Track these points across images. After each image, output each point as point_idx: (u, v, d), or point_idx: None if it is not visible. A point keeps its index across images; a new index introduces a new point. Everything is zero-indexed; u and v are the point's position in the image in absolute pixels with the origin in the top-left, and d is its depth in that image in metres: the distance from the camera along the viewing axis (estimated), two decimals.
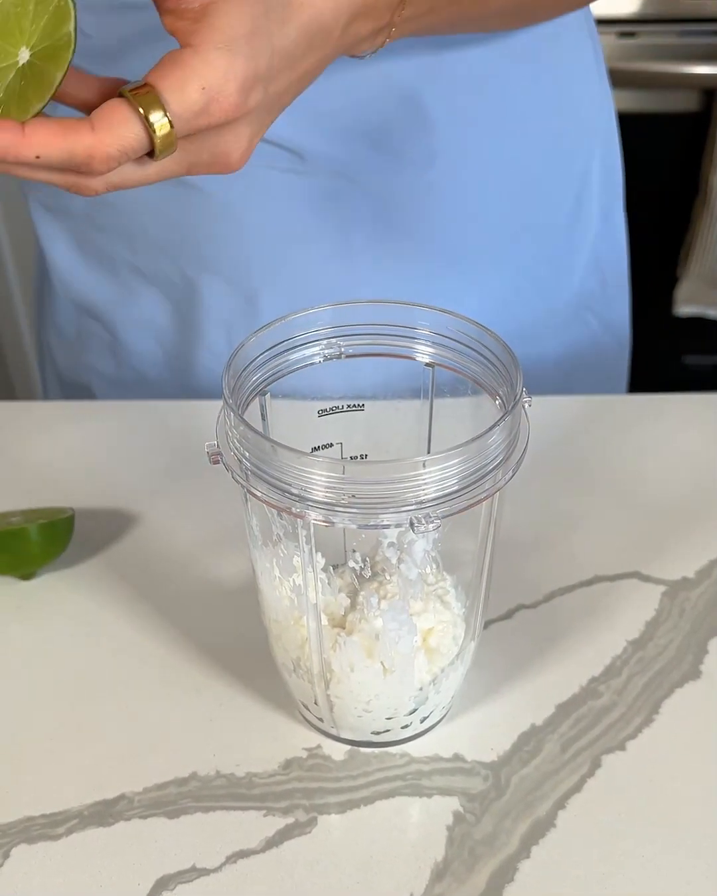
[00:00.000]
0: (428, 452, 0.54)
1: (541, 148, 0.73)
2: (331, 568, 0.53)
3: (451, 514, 0.42)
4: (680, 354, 1.80)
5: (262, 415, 0.50)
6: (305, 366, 0.50)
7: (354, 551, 0.52)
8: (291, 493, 0.42)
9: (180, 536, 0.65)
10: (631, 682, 0.56)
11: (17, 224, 1.69)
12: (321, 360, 0.50)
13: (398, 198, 0.70)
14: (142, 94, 0.40)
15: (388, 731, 0.51)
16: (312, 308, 0.49)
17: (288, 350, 0.49)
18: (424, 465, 0.41)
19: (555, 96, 0.72)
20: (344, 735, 0.52)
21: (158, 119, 0.40)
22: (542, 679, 0.56)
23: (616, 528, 0.66)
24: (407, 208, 0.71)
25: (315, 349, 0.50)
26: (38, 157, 0.39)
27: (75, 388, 0.87)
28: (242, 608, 0.59)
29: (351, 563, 0.49)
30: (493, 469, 0.43)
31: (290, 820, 0.50)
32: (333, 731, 0.52)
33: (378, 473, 0.41)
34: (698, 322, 1.75)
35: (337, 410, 0.52)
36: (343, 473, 0.41)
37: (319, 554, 0.48)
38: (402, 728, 0.52)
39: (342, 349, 0.50)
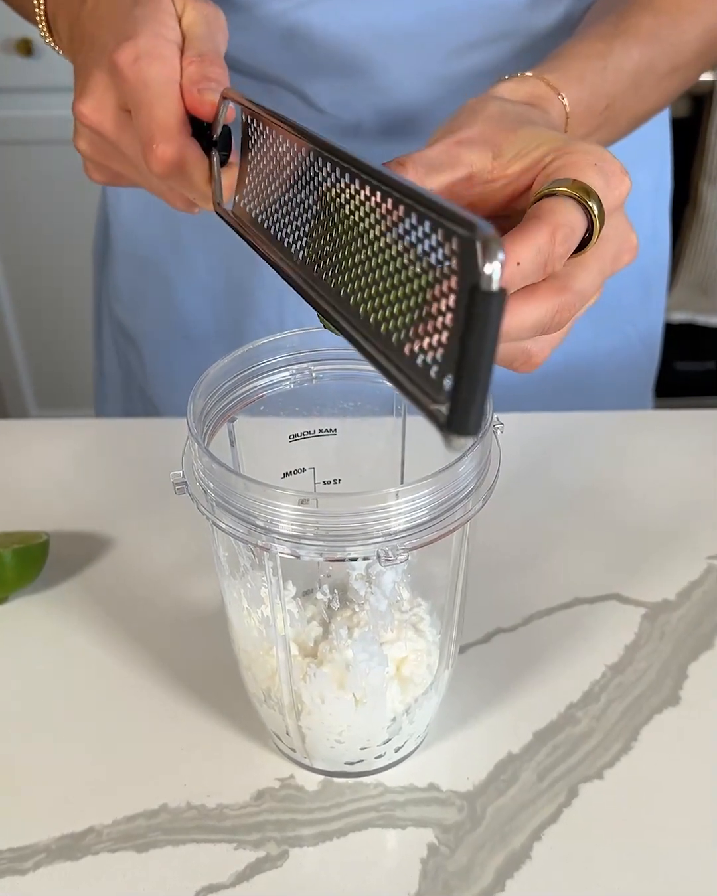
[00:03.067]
0: (401, 474, 0.54)
1: None
2: (301, 595, 0.52)
3: (420, 546, 0.41)
4: (671, 360, 1.80)
5: (231, 441, 0.49)
6: (276, 392, 0.49)
7: (325, 577, 0.52)
8: (257, 526, 0.41)
9: (156, 559, 0.64)
10: (610, 708, 0.55)
11: (13, 226, 1.68)
12: (292, 385, 0.49)
13: None
14: (576, 187, 0.39)
15: (362, 760, 0.51)
16: (281, 334, 0.48)
17: (257, 376, 0.48)
18: (396, 496, 0.40)
19: None
20: (317, 765, 0.51)
21: (595, 208, 0.39)
22: (520, 705, 0.55)
23: (596, 548, 0.65)
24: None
25: (285, 375, 0.49)
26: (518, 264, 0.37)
27: (129, 344, 0.87)
28: (217, 633, 0.58)
29: (319, 595, 0.48)
30: (463, 498, 0.42)
31: (261, 853, 0.49)
32: (307, 762, 0.51)
33: (345, 506, 0.40)
34: (688, 328, 1.75)
35: (309, 435, 0.51)
36: (310, 505, 0.40)
37: (289, 581, 0.47)
38: (376, 758, 0.51)
39: (314, 374, 0.50)
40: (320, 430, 0.51)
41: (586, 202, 0.38)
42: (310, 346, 0.49)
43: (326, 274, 0.36)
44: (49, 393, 1.90)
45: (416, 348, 0.30)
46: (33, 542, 0.61)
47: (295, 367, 0.49)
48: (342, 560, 0.41)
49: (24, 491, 0.69)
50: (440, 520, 0.41)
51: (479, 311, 0.26)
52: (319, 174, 0.36)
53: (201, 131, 0.44)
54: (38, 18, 0.54)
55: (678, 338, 1.73)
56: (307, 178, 0.37)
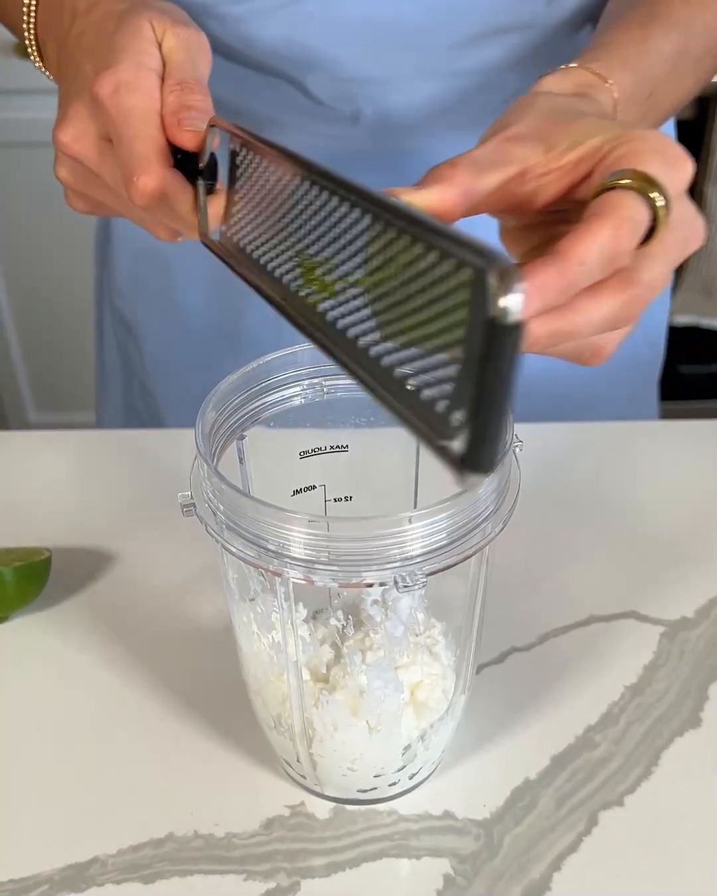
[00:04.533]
0: (416, 491, 0.52)
1: None
2: (312, 617, 0.50)
3: (438, 571, 0.40)
4: (675, 363, 1.79)
5: (240, 458, 0.48)
6: (286, 407, 0.47)
7: (336, 599, 0.50)
8: (269, 550, 0.40)
9: (161, 576, 0.62)
10: (629, 730, 0.54)
11: (11, 229, 1.67)
12: (302, 401, 0.48)
13: None
14: (638, 177, 0.37)
15: (375, 788, 0.49)
16: (292, 348, 0.46)
17: (267, 391, 0.47)
18: (409, 521, 0.38)
19: None
20: (329, 792, 0.50)
21: (659, 198, 0.37)
22: (536, 728, 0.54)
23: (611, 564, 0.63)
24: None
25: (296, 390, 0.47)
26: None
27: (129, 335, 0.87)
28: (223, 652, 0.56)
29: (333, 621, 0.46)
30: (483, 521, 0.41)
31: (271, 884, 0.47)
32: (317, 789, 0.50)
33: (360, 530, 0.39)
34: (693, 331, 1.73)
35: (320, 451, 0.50)
36: (324, 530, 0.39)
37: (301, 603, 0.46)
38: (390, 785, 0.49)
39: (325, 389, 0.48)
40: (332, 446, 0.49)
41: (649, 193, 0.37)
42: (321, 361, 0.47)
43: (321, 305, 0.34)
44: (48, 397, 1.89)
45: (419, 382, 0.28)
46: (35, 559, 0.59)
47: (306, 381, 0.47)
48: (358, 586, 0.40)
49: (24, 505, 0.67)
50: (459, 543, 0.40)
51: (496, 345, 0.24)
52: (315, 202, 0.34)
53: (187, 159, 0.43)
54: (28, 42, 0.53)
55: (682, 341, 1.72)
56: (301, 206, 0.35)
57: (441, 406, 0.27)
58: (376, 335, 0.30)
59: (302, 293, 0.35)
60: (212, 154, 0.43)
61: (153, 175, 0.42)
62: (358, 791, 0.49)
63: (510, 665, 0.57)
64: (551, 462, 0.71)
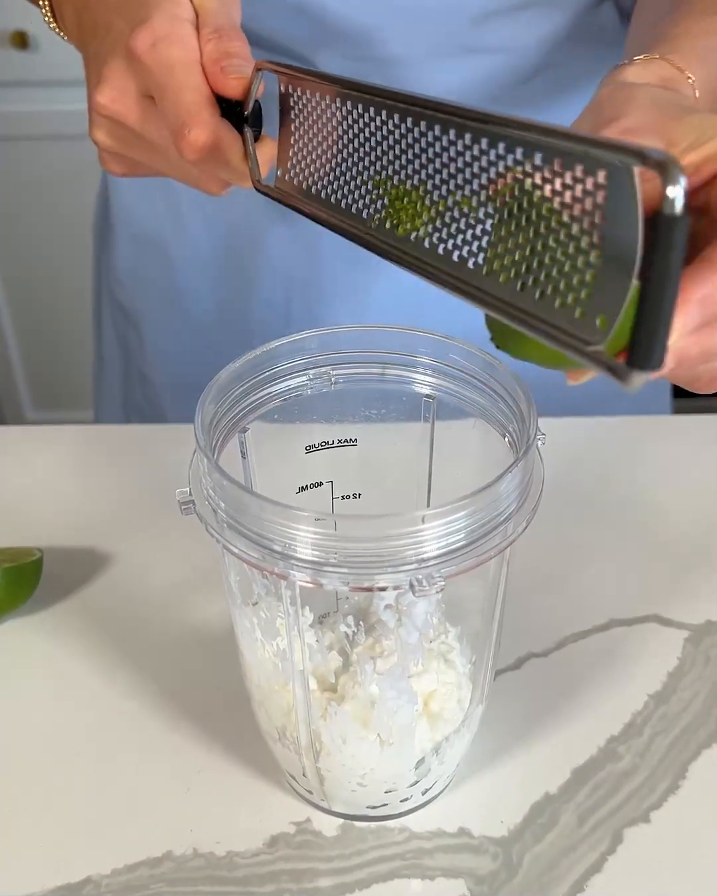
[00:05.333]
0: (429, 488, 0.49)
1: None
2: (319, 621, 0.47)
3: (456, 574, 0.37)
4: None
5: (242, 452, 0.45)
6: (291, 398, 0.45)
7: (344, 603, 0.47)
8: (274, 551, 0.37)
9: (159, 578, 0.59)
10: (654, 742, 0.51)
11: (7, 224, 1.64)
12: (309, 392, 0.45)
13: None
14: None
15: (385, 804, 0.46)
16: (298, 335, 0.43)
17: (271, 381, 0.44)
18: (430, 519, 0.35)
19: None
20: (337, 808, 0.47)
21: None
22: (556, 739, 0.51)
23: (631, 565, 0.60)
24: None
25: (302, 379, 0.44)
26: None
27: (129, 324, 0.85)
28: (225, 659, 0.53)
29: (342, 627, 0.43)
30: (504, 520, 0.38)
31: None
32: (325, 804, 0.47)
33: (373, 529, 0.36)
34: None
35: (326, 446, 0.47)
36: (333, 529, 0.36)
37: (307, 607, 0.43)
38: (401, 801, 0.46)
39: (333, 379, 0.45)
40: (340, 440, 0.46)
41: None
42: (329, 348, 0.44)
43: (419, 233, 0.34)
44: (46, 393, 1.86)
45: (549, 291, 0.29)
46: (25, 560, 0.56)
47: (313, 371, 0.44)
48: (370, 590, 0.37)
49: (14, 503, 0.64)
50: (479, 544, 0.37)
51: (664, 237, 0.25)
52: (396, 131, 0.34)
53: (230, 108, 0.42)
54: (42, 7, 0.51)
55: None
56: (380, 135, 0.35)
57: (579, 312, 0.28)
58: (492, 252, 0.31)
59: (389, 224, 0.35)
60: (256, 101, 0.42)
61: (205, 125, 0.41)
62: (368, 807, 0.46)
63: (527, 672, 0.54)
64: (563, 458, 0.68)
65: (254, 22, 0.63)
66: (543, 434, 0.40)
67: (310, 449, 0.46)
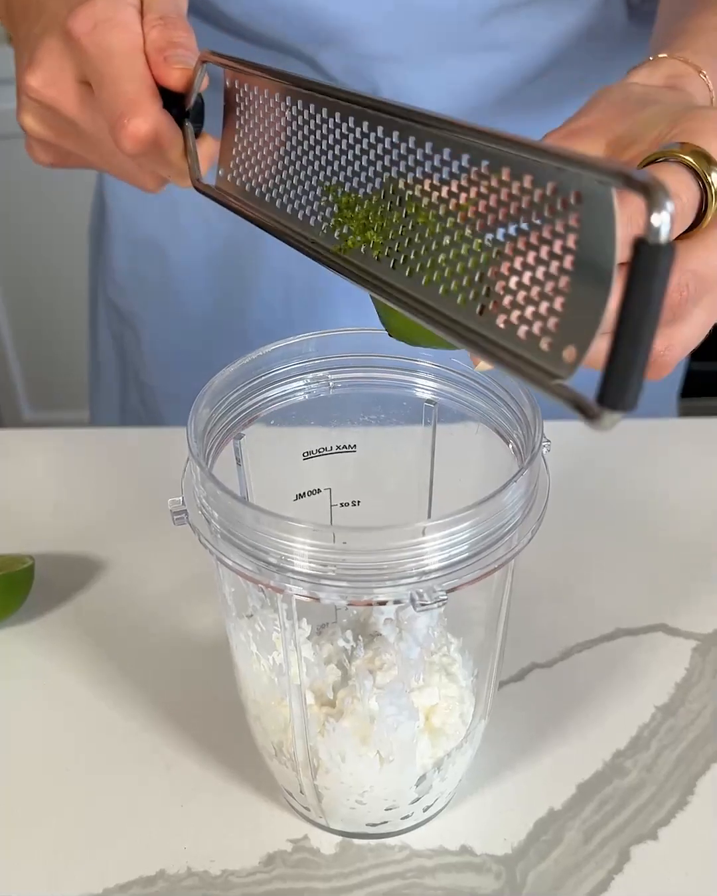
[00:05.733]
0: (430, 495, 0.48)
1: None
2: (317, 632, 0.46)
3: (459, 587, 0.35)
4: (687, 360, 1.76)
5: (237, 459, 0.43)
6: (288, 403, 0.43)
7: (343, 616, 0.46)
8: (269, 563, 0.35)
9: (153, 586, 0.58)
10: (661, 756, 0.49)
11: (3, 224, 1.62)
12: (307, 396, 0.43)
13: None
14: (690, 151, 0.33)
15: (385, 822, 0.45)
16: (294, 338, 0.42)
17: (267, 385, 0.42)
18: (432, 531, 0.34)
19: None
20: (335, 825, 0.45)
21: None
22: (560, 753, 0.49)
23: (638, 572, 0.59)
24: None
25: (299, 384, 0.43)
26: None
27: (125, 327, 0.84)
28: (221, 670, 0.52)
29: (341, 642, 0.42)
30: (508, 532, 0.36)
31: None
32: (323, 822, 0.45)
33: (372, 541, 0.34)
34: None
35: (325, 452, 0.45)
36: (331, 541, 0.34)
37: (304, 619, 0.41)
38: (402, 818, 0.45)
39: (331, 383, 0.44)
40: (338, 447, 0.45)
41: (700, 169, 0.32)
42: (327, 351, 0.43)
43: (368, 245, 0.32)
44: (43, 393, 1.84)
45: (514, 318, 0.26)
46: (16, 568, 0.55)
47: (310, 375, 0.43)
48: (369, 604, 0.35)
49: (5, 508, 0.63)
50: (483, 556, 0.36)
51: (647, 267, 0.22)
52: (350, 135, 0.32)
53: (171, 102, 0.40)
54: None
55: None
56: (330, 140, 0.33)
57: (545, 343, 0.25)
58: (448, 271, 0.29)
59: (338, 233, 0.33)
60: (199, 94, 0.39)
61: (146, 116, 0.38)
62: (367, 824, 0.45)
63: (531, 683, 0.53)
64: (568, 462, 0.66)
65: (253, 20, 0.61)
66: (548, 440, 0.39)
67: (308, 455, 0.45)
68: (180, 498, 0.38)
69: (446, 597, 0.34)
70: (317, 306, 0.73)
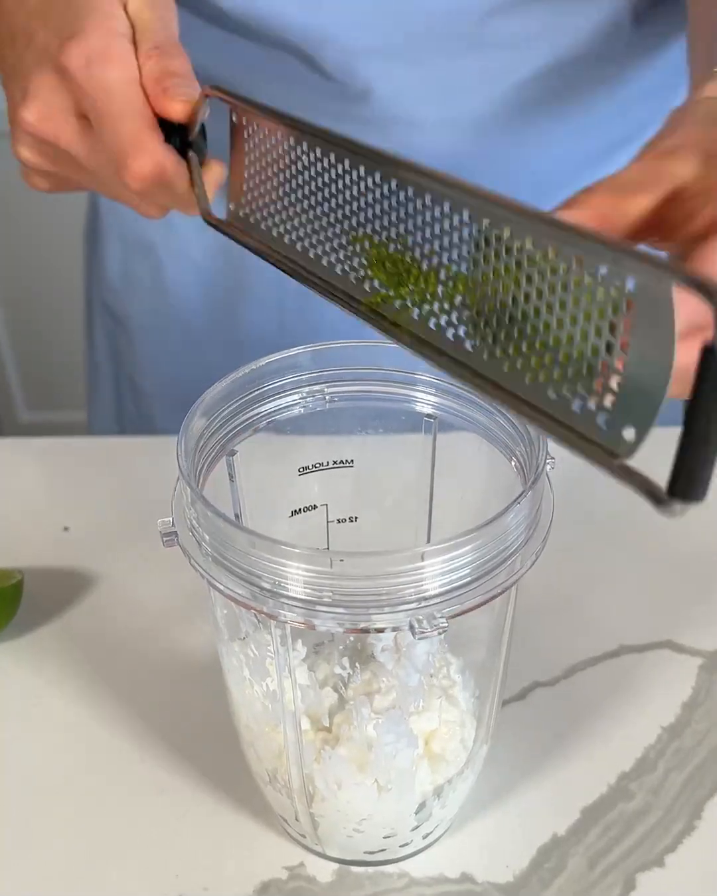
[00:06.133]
0: (430, 513, 0.46)
1: None
2: (314, 651, 0.45)
3: (460, 613, 0.34)
4: None
5: (230, 475, 0.42)
6: (283, 418, 0.42)
7: (340, 643, 0.44)
8: (263, 588, 0.34)
9: (146, 602, 0.56)
10: (668, 778, 0.48)
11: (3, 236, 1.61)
12: (302, 410, 0.42)
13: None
14: None
15: (384, 849, 0.43)
16: (291, 350, 0.40)
17: (262, 400, 0.41)
18: (425, 557, 0.33)
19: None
20: (332, 853, 0.44)
21: None
22: (563, 775, 0.48)
23: (643, 587, 0.57)
24: None
25: (295, 398, 0.42)
26: None
27: (120, 329, 0.82)
28: (215, 690, 0.50)
29: (338, 669, 0.41)
30: (511, 555, 0.35)
31: None
32: (319, 849, 0.44)
33: (370, 566, 0.33)
34: None
35: (321, 467, 0.44)
36: (327, 566, 0.33)
37: (299, 641, 0.40)
38: (401, 846, 0.43)
39: (328, 397, 0.42)
40: (335, 462, 0.44)
41: None
42: (323, 364, 0.42)
43: (399, 299, 0.31)
44: (40, 394, 1.83)
45: (565, 391, 0.26)
46: (5, 584, 0.53)
47: (306, 388, 0.42)
48: (367, 631, 0.34)
49: None
50: (484, 580, 0.34)
51: (715, 374, 0.23)
52: (375, 190, 0.31)
53: (172, 130, 0.39)
54: None
55: None
56: (354, 192, 0.32)
57: (603, 420, 0.26)
58: (503, 343, 0.28)
59: (369, 287, 0.32)
60: (201, 124, 0.38)
61: (149, 155, 0.38)
62: (365, 852, 0.43)
63: (533, 702, 0.51)
64: (571, 474, 0.64)
65: (248, 18, 0.60)
66: (552, 458, 0.37)
67: (303, 470, 0.43)
68: (170, 519, 0.37)
69: (446, 624, 0.33)
70: (311, 308, 0.72)
